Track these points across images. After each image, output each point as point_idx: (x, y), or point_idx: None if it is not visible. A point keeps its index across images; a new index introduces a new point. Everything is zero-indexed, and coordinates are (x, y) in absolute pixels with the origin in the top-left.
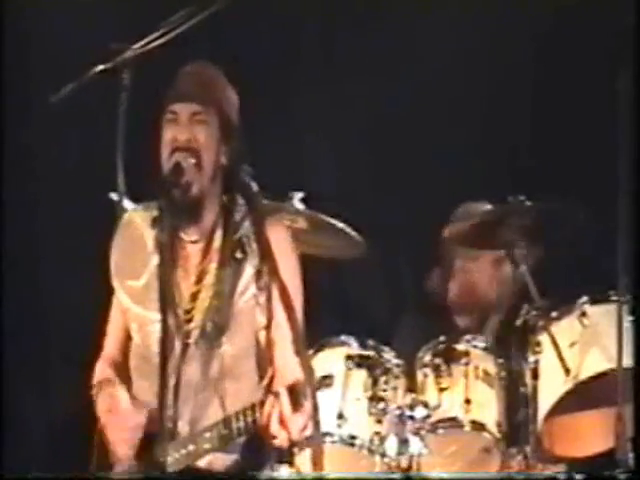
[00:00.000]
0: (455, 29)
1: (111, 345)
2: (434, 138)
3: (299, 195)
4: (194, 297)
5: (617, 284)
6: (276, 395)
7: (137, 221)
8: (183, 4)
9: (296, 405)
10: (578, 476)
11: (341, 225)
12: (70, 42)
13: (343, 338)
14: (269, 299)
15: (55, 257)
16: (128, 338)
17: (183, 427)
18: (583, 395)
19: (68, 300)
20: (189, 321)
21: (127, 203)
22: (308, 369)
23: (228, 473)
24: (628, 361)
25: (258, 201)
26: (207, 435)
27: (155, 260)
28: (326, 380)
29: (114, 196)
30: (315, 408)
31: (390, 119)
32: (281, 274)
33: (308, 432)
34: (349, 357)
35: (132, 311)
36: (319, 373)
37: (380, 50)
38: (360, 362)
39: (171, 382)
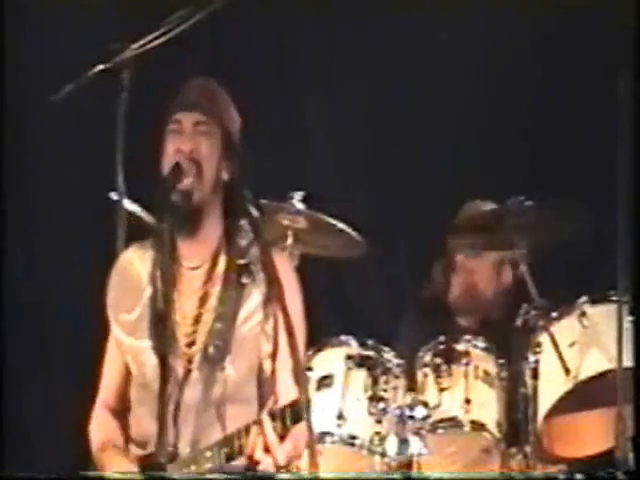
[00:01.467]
0: (456, 29)
1: (108, 384)
2: (434, 138)
3: (299, 195)
4: (196, 320)
5: (617, 284)
6: (260, 422)
7: (132, 258)
8: (182, 4)
9: (284, 429)
10: (578, 476)
11: (341, 225)
12: (70, 42)
13: (343, 338)
14: (275, 328)
15: (55, 256)
16: (127, 373)
17: (184, 449)
18: (583, 395)
19: (68, 300)
20: (191, 345)
21: (127, 203)
22: (306, 398)
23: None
24: (628, 361)
25: (263, 228)
26: (208, 454)
27: (149, 291)
28: (326, 380)
29: (114, 196)
30: (311, 436)
31: (390, 119)
32: (287, 303)
33: (297, 458)
34: (349, 357)
35: (125, 344)
36: (319, 373)
37: (381, 50)
38: (360, 362)
39: (171, 406)
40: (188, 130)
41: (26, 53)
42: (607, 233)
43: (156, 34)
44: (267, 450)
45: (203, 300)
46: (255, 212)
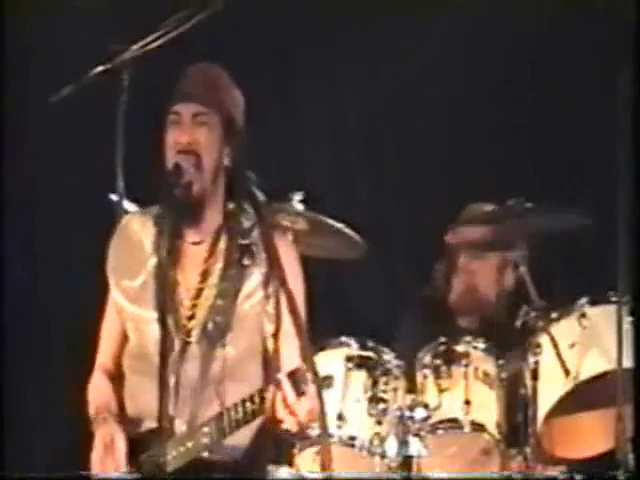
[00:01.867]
0: (457, 27)
1: (106, 348)
2: (434, 139)
3: (299, 196)
4: (197, 295)
5: (617, 285)
6: (277, 383)
7: (135, 225)
8: (182, 5)
9: (299, 390)
10: (578, 477)
11: (341, 226)
12: (70, 43)
13: (343, 339)
14: (277, 307)
15: (55, 258)
16: (124, 339)
17: (180, 426)
18: (583, 396)
19: (68, 300)
20: (191, 318)
21: (127, 204)
22: (314, 374)
23: (228, 472)
24: (628, 362)
25: (266, 211)
26: (205, 430)
27: (153, 261)
28: (326, 381)
29: (113, 197)
30: (322, 410)
31: (391, 119)
32: (288, 282)
33: (315, 417)
34: (349, 358)
35: (127, 311)
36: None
37: (381, 50)
38: (360, 363)
39: (170, 381)
40: (187, 122)
41: (26, 54)
42: (607, 233)
43: (156, 35)
44: (287, 408)
45: (204, 276)
46: (259, 195)
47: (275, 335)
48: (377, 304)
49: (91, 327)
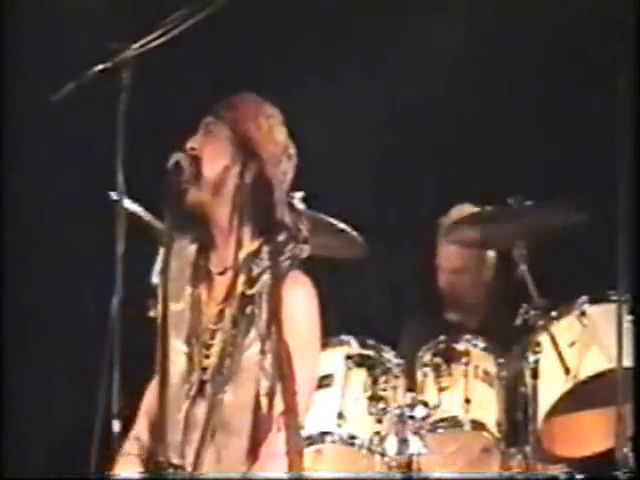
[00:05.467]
0: (455, 28)
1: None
2: (434, 138)
3: (299, 195)
4: (212, 336)
5: (617, 284)
6: None
7: (188, 247)
8: (183, 3)
9: None
10: (578, 476)
11: (342, 225)
12: (70, 41)
13: (343, 337)
14: (275, 365)
15: (55, 256)
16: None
17: (187, 467)
18: (583, 395)
19: (69, 300)
20: (207, 357)
21: (127, 203)
22: (294, 445)
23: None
24: (628, 361)
25: (284, 253)
26: None
27: (189, 290)
28: (326, 380)
29: (114, 196)
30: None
31: (391, 119)
32: (288, 338)
33: None
34: (349, 356)
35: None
36: (319, 373)
37: (380, 49)
38: (360, 361)
39: (181, 418)
40: (199, 132)
41: (26, 52)
42: (607, 232)
43: (156, 33)
44: None
45: (219, 317)
46: (283, 235)
47: (270, 394)
48: (377, 302)
49: (91, 328)
